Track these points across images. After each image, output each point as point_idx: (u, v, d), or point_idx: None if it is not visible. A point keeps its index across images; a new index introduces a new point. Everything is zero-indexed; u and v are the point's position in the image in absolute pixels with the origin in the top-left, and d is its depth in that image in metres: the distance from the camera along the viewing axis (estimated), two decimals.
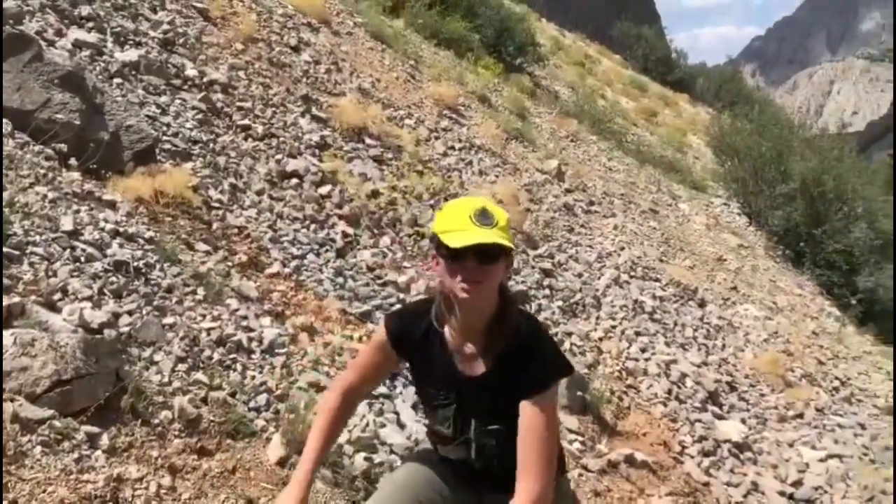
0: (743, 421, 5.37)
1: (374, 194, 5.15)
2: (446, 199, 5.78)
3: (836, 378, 7.25)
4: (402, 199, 5.32)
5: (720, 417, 5.20)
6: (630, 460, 4.17)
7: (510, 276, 2.04)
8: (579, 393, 4.37)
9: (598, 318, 5.67)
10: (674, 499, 4.00)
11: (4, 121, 3.48)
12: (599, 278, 6.34)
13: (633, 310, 6.03)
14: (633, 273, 6.78)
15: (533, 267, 5.76)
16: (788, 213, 10.03)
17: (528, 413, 1.78)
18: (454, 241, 1.65)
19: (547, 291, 5.57)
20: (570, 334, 5.21)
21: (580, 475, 3.81)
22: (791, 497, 4.93)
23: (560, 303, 5.52)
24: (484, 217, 1.68)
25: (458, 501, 2.02)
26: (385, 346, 1.93)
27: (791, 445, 5.50)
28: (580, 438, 4.15)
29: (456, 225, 1.68)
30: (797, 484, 5.03)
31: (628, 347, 5.45)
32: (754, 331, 7.14)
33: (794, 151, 10.50)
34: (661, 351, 5.63)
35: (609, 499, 3.81)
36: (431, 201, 5.61)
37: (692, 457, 4.59)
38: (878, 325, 9.60)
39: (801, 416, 6.01)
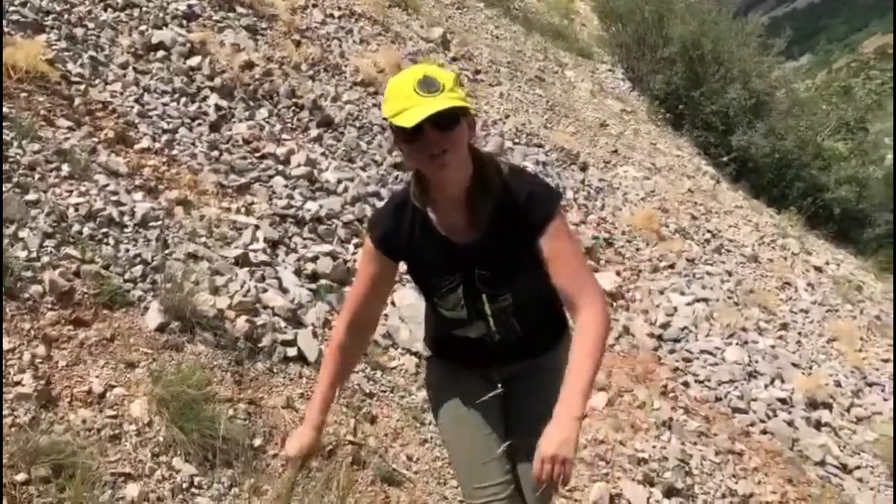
0: (618, 273, 5.74)
1: (249, 65, 4.99)
2: (326, 70, 5.68)
3: (708, 231, 7.76)
4: (278, 70, 5.19)
5: (595, 270, 5.53)
6: None
7: (476, 136, 1.98)
8: None
9: None
10: None
11: None
12: (485, 146, 6.44)
13: None
14: (517, 140, 6.92)
15: None
16: (669, 76, 10.31)
17: (549, 247, 1.75)
18: (406, 120, 1.59)
19: None
20: None
21: None
22: (660, 337, 5.37)
23: None
24: (428, 85, 1.61)
25: (488, 400, 2.00)
26: (376, 255, 1.87)
27: (662, 293, 5.94)
28: None
29: (403, 103, 1.60)
30: (665, 326, 5.48)
31: None
32: (633, 190, 7.49)
33: (675, 15, 10.67)
34: None
35: None
36: (310, 72, 5.49)
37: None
38: (750, 181, 10.23)
39: (672, 266, 6.45)
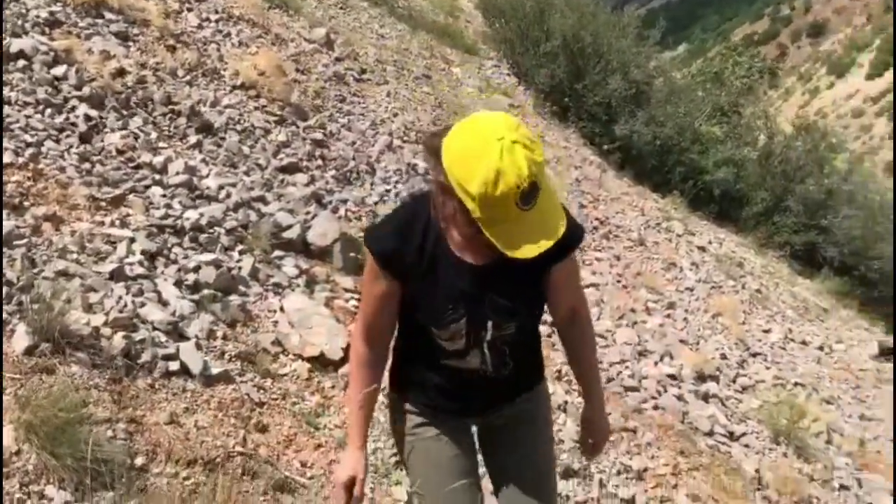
0: None
1: (120, 73, 4.81)
2: (204, 75, 5.53)
3: (596, 218, 8.01)
4: (153, 77, 5.01)
5: None
6: None
7: None
8: (353, 254, 4.52)
9: (372, 183, 5.80)
10: None
11: None
12: (373, 145, 6.43)
13: (406, 173, 6.22)
14: (406, 138, 6.94)
15: (304, 139, 5.72)
16: (552, 70, 10.56)
17: (563, 267, 1.78)
18: (507, 245, 1.45)
19: (319, 162, 5.59)
20: (344, 201, 5.30)
21: None
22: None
23: (333, 172, 5.57)
24: (532, 195, 1.43)
25: (467, 447, 1.97)
26: (380, 274, 1.72)
27: None
28: (356, 297, 4.33)
29: (499, 211, 1.43)
30: None
31: None
32: None
33: (555, 9, 10.93)
34: None
35: None
36: (187, 77, 5.33)
37: None
38: (635, 168, 10.60)
39: None
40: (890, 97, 77.31)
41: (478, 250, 1.66)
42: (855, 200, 11.32)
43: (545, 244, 1.47)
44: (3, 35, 4.37)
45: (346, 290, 4.29)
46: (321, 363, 3.47)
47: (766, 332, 7.56)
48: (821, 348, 7.82)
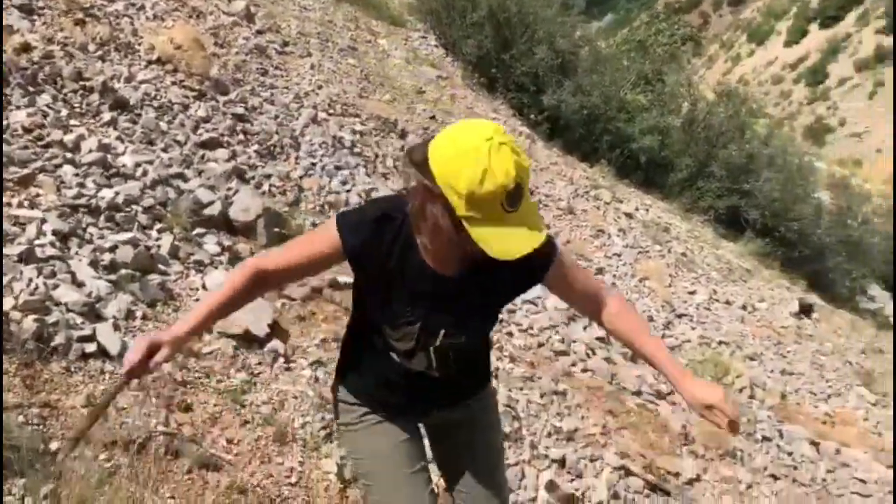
0: None
1: (25, 48, 4.59)
2: (117, 49, 5.33)
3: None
4: (61, 52, 4.81)
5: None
6: (334, 284, 4.39)
7: None
8: (277, 229, 4.45)
9: (297, 157, 5.71)
10: None
11: None
12: (297, 119, 6.32)
13: (332, 146, 6.14)
14: (331, 111, 6.84)
15: (224, 113, 5.57)
16: (480, 41, 10.55)
17: (558, 273, 1.75)
18: (491, 244, 1.45)
19: (241, 137, 5.46)
20: (269, 176, 5.21)
21: (283, 304, 3.96)
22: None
23: (256, 146, 5.46)
24: (518, 197, 1.45)
25: (415, 440, 1.96)
26: (335, 254, 1.68)
27: None
28: None
29: (485, 210, 1.44)
30: None
31: (329, 182, 5.59)
32: None
33: None
34: (363, 181, 5.86)
35: (314, 321, 4.02)
36: (99, 52, 5.13)
37: None
38: (563, 138, 10.72)
39: None
40: (808, 63, 79.94)
41: (448, 262, 1.66)
42: (774, 164, 11.70)
43: (527, 247, 1.47)
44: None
45: None
46: (246, 340, 3.42)
47: (692, 293, 7.79)
48: (744, 307, 8.10)
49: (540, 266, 1.73)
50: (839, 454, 5.59)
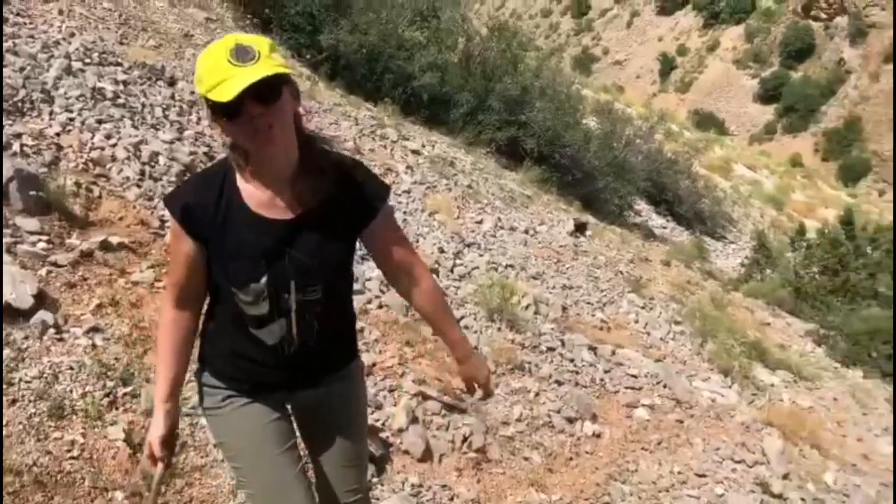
0: None
1: None
2: None
3: (310, 131, 7.95)
4: None
5: None
6: (106, 246, 4.13)
7: (301, 105, 1.65)
8: (34, 192, 4.08)
9: (51, 113, 5.22)
10: (154, 270, 4.13)
11: None
12: (48, 70, 5.75)
13: (92, 98, 5.67)
14: (88, 60, 6.29)
15: None
16: None
17: (382, 232, 1.82)
18: (223, 93, 1.48)
19: None
20: (19, 135, 4.73)
21: (49, 273, 3.67)
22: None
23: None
24: (243, 53, 1.51)
25: (282, 420, 1.94)
26: (181, 233, 1.71)
27: None
28: (45, 238, 3.94)
29: (218, 76, 1.50)
30: None
31: (92, 138, 5.18)
32: None
33: None
34: (129, 134, 5.48)
35: (86, 286, 3.77)
36: None
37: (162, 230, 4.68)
38: (345, 78, 10.63)
39: None
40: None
41: (274, 202, 1.69)
42: (546, 95, 12.37)
43: (254, 76, 1.50)
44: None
45: (31, 233, 3.89)
46: (9, 314, 3.14)
47: (479, 223, 8.15)
48: (526, 231, 8.62)
49: (373, 195, 1.81)
50: (614, 355, 6.20)
